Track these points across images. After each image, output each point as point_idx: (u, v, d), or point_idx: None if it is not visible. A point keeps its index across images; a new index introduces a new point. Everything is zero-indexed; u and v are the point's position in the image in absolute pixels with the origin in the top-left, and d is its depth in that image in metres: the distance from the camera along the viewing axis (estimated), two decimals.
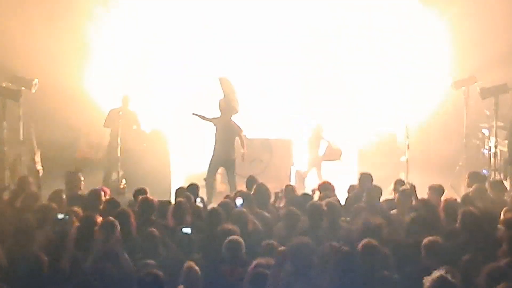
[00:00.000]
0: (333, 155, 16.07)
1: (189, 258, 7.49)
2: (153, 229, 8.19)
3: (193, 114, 14.03)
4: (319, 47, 17.69)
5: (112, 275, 7.25)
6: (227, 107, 13.78)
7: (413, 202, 9.76)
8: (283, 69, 17.85)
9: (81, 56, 16.69)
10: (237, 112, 13.99)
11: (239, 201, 9.61)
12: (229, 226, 8.11)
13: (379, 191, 10.18)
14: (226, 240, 7.68)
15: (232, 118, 13.92)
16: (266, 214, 9.64)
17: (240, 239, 7.71)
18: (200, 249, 8.12)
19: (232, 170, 13.81)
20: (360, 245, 7.30)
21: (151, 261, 7.51)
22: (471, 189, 10.71)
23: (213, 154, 13.88)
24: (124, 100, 14.89)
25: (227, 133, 13.76)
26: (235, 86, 14.14)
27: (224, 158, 13.83)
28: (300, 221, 8.83)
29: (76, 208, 9.05)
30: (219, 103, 13.83)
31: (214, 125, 13.84)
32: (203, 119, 13.99)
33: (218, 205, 9.64)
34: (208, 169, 13.89)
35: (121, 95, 15.04)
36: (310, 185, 14.16)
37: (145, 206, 9.22)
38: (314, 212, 8.82)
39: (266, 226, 9.11)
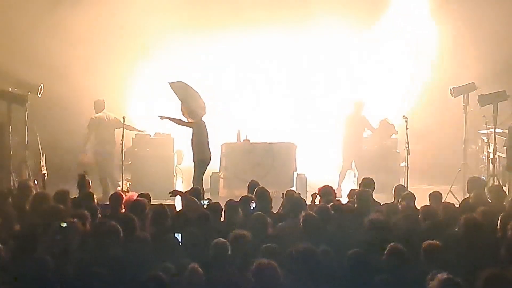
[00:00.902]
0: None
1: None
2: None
3: (161, 117, 13.63)
4: (320, 53, 17.77)
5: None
6: (191, 112, 13.59)
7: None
8: (284, 74, 17.96)
9: (86, 60, 16.78)
10: (203, 115, 13.74)
11: (252, 205, 9.72)
12: (242, 232, 8.02)
13: (368, 193, 10.27)
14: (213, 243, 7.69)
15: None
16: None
17: (225, 242, 7.68)
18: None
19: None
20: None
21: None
22: (470, 194, 10.85)
23: (205, 157, 13.79)
24: (98, 104, 14.98)
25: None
26: (192, 88, 13.81)
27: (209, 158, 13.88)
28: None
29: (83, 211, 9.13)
30: (181, 109, 13.59)
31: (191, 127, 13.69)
32: (176, 122, 13.67)
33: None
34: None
35: (96, 99, 15.06)
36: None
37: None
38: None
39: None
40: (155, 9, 16.94)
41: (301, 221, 8.63)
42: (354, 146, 15.60)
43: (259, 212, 9.14)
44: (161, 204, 9.63)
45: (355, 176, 15.69)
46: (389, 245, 7.45)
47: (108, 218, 9.03)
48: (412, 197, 10.21)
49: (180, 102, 13.46)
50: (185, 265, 7.18)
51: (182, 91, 13.54)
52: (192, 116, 13.48)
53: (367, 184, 10.86)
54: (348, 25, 17.15)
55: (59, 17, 16.28)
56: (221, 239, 7.72)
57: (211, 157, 13.73)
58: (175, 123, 13.65)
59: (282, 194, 10.90)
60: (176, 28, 16.98)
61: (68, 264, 7.54)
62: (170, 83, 13.55)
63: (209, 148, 13.65)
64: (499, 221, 8.64)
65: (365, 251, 7.51)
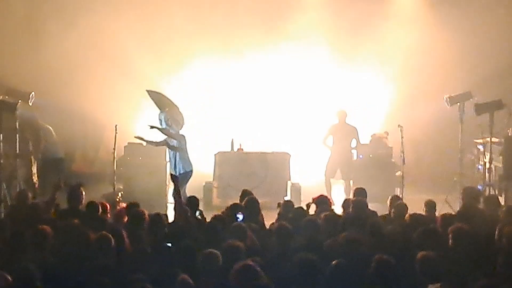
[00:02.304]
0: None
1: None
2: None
3: (151, 126, 13.72)
4: (315, 61, 17.73)
5: None
6: (175, 121, 13.72)
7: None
8: (278, 84, 17.89)
9: (77, 69, 16.73)
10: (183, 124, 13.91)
11: (240, 216, 9.62)
12: (236, 242, 7.92)
13: (364, 202, 10.18)
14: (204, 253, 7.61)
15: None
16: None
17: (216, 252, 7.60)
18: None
19: None
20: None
21: (142, 275, 7.45)
22: (466, 204, 10.74)
23: (190, 169, 13.86)
24: None
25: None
26: (166, 96, 14.03)
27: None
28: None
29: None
30: (162, 118, 13.69)
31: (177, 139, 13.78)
32: (164, 132, 13.73)
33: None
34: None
35: None
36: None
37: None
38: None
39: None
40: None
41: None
42: (340, 155, 15.53)
43: (239, 223, 9.06)
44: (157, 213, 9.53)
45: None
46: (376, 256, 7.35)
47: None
48: (404, 207, 10.09)
49: (160, 111, 13.64)
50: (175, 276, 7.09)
51: (164, 100, 13.83)
52: (176, 125, 13.63)
53: (360, 193, 10.78)
54: (344, 32, 17.17)
55: (49, 27, 16.29)
56: (211, 250, 7.61)
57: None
58: (163, 133, 13.76)
59: (278, 203, 10.80)
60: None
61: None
62: (147, 90, 13.52)
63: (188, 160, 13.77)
64: (497, 232, 8.54)
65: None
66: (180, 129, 13.93)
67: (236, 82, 17.88)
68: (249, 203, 10.15)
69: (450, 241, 8.26)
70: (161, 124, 13.74)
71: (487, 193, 13.46)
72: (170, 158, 14.06)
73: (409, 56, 17.31)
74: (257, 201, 10.31)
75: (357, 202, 10.21)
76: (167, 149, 15.32)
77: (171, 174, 11.26)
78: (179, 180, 11.84)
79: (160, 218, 9.16)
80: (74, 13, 16.66)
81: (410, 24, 17.60)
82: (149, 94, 13.88)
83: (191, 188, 13.88)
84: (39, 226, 8.26)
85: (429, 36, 17.23)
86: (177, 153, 13.75)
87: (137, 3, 17.04)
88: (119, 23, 16.91)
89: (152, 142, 14.00)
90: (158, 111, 14.11)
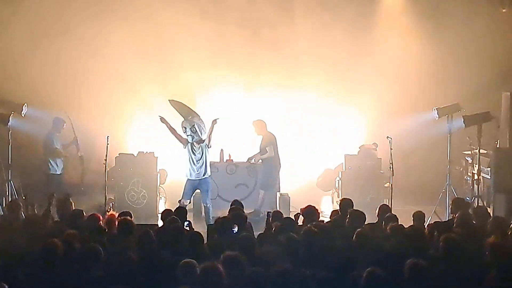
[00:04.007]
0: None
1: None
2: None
3: (161, 118, 13.79)
4: (306, 71, 17.84)
5: None
6: (199, 128, 13.74)
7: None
8: (268, 94, 17.97)
9: (69, 80, 16.79)
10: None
11: (234, 228, 9.69)
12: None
13: (362, 216, 10.20)
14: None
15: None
16: None
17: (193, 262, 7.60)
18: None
19: None
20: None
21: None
22: (455, 215, 10.82)
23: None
24: None
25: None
26: (187, 105, 14.12)
27: None
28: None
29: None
30: (190, 125, 13.70)
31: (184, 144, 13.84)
32: (171, 131, 13.81)
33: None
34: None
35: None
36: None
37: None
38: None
39: None
40: None
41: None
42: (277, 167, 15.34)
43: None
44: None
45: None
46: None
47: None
48: (394, 218, 10.16)
49: (185, 119, 13.69)
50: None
51: (185, 109, 13.86)
52: (202, 133, 13.71)
53: (346, 204, 10.81)
54: (335, 44, 17.33)
55: (42, 36, 16.37)
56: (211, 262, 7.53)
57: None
58: (170, 131, 13.79)
59: (268, 213, 10.85)
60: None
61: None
62: (170, 100, 13.92)
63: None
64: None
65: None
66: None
67: (225, 91, 17.93)
68: (235, 214, 10.18)
69: (441, 250, 8.28)
70: (185, 132, 13.71)
71: (475, 204, 13.56)
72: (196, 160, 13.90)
73: (397, 67, 17.42)
74: (243, 211, 10.44)
75: (354, 213, 10.23)
76: (157, 159, 15.45)
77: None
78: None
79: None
80: (67, 23, 16.71)
81: (399, 36, 17.75)
82: (171, 103, 13.94)
83: (179, 198, 13.96)
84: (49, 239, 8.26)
85: (417, 49, 17.36)
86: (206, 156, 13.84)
87: (130, 14, 17.11)
88: (112, 34, 17.02)
89: (175, 131, 13.94)
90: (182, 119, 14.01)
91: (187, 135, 13.67)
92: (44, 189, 13.94)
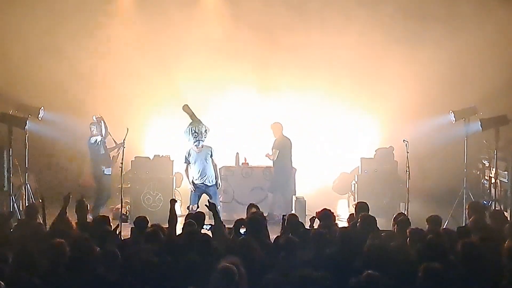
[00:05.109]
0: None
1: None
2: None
3: (185, 107, 14.05)
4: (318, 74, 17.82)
5: None
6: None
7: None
8: (283, 97, 17.97)
9: (85, 82, 16.88)
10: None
11: (242, 230, 9.70)
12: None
13: (373, 220, 10.16)
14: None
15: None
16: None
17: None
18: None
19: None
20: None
21: None
22: (471, 219, 10.76)
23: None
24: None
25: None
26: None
27: None
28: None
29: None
30: (205, 130, 13.97)
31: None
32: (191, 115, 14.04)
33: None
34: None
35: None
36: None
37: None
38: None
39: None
40: None
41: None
42: (285, 168, 15.39)
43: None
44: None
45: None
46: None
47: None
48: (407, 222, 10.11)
49: (200, 123, 13.92)
50: None
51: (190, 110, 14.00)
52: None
53: (362, 208, 10.77)
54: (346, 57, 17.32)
55: (58, 41, 16.47)
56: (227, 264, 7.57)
57: None
58: (193, 119, 14.08)
59: (283, 216, 10.82)
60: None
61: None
62: (185, 105, 14.12)
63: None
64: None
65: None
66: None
67: (239, 94, 17.95)
68: (253, 218, 10.17)
69: (459, 254, 8.24)
70: (200, 135, 13.90)
71: (492, 208, 13.48)
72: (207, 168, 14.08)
73: (414, 71, 17.35)
74: (262, 215, 10.36)
75: (366, 217, 10.20)
76: (173, 163, 15.47)
77: (209, 202, 11.29)
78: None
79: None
80: (84, 27, 16.81)
81: (414, 39, 17.65)
82: (184, 109, 14.07)
83: None
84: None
85: (435, 51, 17.27)
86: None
87: (145, 17, 17.21)
88: (128, 36, 17.09)
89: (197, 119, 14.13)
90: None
91: (197, 139, 13.78)
92: (97, 189, 14.39)
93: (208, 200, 12.78)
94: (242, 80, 17.74)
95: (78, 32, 16.79)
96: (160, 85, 17.53)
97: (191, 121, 14.18)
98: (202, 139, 13.90)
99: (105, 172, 14.49)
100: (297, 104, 17.94)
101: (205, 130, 13.92)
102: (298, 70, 17.71)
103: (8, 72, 15.96)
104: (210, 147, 14.07)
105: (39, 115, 14.27)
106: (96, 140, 14.37)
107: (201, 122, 13.98)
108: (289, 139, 15.26)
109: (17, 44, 16.49)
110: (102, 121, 14.53)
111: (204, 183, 13.96)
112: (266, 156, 15.29)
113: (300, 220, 10.61)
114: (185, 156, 14.03)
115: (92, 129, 14.45)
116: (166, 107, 17.47)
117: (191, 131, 13.94)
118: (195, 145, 13.92)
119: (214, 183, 14.05)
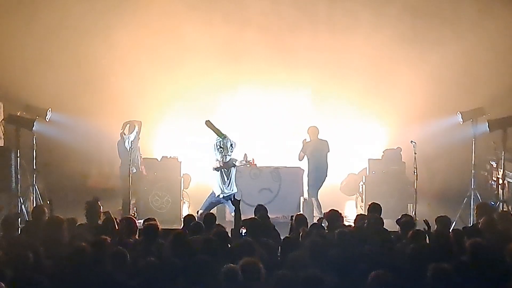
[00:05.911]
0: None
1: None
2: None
3: (207, 122, 13.96)
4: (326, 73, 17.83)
5: None
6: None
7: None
8: (290, 98, 17.99)
9: (92, 84, 16.91)
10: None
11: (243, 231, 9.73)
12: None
13: (379, 221, 10.16)
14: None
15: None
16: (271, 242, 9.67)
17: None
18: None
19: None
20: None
21: None
22: (479, 220, 10.74)
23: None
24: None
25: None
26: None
27: None
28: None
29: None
30: (231, 143, 13.99)
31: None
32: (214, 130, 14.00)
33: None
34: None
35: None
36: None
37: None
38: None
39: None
40: None
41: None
42: (318, 172, 15.45)
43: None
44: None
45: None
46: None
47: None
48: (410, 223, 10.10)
49: (225, 137, 13.91)
50: None
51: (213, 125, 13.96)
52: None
53: (374, 209, 10.77)
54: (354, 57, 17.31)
55: (67, 44, 16.52)
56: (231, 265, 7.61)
57: None
58: (217, 134, 13.98)
59: (291, 217, 10.83)
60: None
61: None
62: (207, 121, 13.95)
63: None
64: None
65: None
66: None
67: (247, 95, 17.97)
68: (252, 219, 10.14)
69: (467, 255, 8.25)
70: (226, 150, 13.92)
71: (500, 209, 13.45)
72: (227, 176, 14.09)
73: (421, 72, 17.34)
74: (267, 216, 10.44)
75: (373, 218, 10.21)
76: (181, 164, 15.49)
77: (235, 198, 11.35)
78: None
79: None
80: (92, 29, 16.84)
81: (423, 40, 17.62)
82: (206, 124, 14.07)
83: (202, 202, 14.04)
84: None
85: (442, 53, 17.25)
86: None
87: (152, 19, 17.23)
88: (135, 39, 17.12)
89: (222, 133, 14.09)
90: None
91: (223, 155, 13.83)
92: (123, 188, 14.48)
93: (234, 196, 12.86)
94: (250, 82, 17.76)
95: (86, 33, 16.80)
96: (168, 87, 17.55)
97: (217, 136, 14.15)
98: (229, 154, 13.95)
99: (133, 171, 14.58)
100: (305, 105, 17.91)
101: (231, 145, 13.95)
102: (306, 71, 17.70)
103: (16, 73, 15.99)
104: (236, 160, 14.11)
105: (47, 117, 14.33)
106: (129, 138, 14.56)
107: (226, 137, 14.00)
108: (314, 142, 15.37)
109: (25, 45, 16.51)
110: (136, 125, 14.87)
111: (232, 191, 14.02)
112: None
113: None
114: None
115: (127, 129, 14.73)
116: (174, 109, 17.51)
117: (217, 146, 13.98)
118: (222, 160, 13.94)
119: (236, 191, 14.11)
